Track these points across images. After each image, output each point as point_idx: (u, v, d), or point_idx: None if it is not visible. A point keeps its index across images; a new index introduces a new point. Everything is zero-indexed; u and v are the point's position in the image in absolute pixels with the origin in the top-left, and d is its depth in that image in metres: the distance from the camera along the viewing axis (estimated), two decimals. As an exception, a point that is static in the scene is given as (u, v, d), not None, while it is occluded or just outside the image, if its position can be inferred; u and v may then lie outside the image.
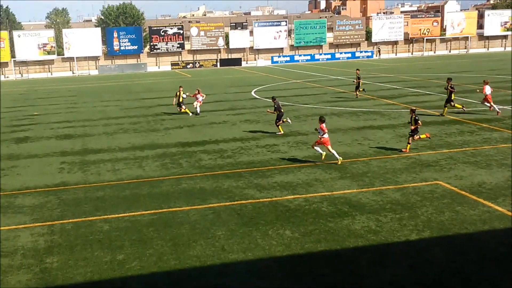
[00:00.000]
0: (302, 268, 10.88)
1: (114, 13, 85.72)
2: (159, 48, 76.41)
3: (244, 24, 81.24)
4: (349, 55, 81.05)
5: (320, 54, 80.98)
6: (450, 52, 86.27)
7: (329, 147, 18.58)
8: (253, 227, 12.95)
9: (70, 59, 72.49)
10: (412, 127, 19.70)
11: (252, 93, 40.08)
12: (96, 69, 73.26)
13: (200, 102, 30.66)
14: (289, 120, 24.78)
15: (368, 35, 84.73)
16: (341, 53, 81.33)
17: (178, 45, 77.11)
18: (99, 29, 77.22)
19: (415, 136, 19.77)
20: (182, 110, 30.47)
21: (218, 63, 76.68)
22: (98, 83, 56.80)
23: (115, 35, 74.35)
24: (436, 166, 17.86)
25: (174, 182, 17.09)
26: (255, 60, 79.31)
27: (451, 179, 16.31)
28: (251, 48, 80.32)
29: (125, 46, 74.55)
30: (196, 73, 65.47)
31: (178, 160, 19.98)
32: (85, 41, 72.34)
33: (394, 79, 46.06)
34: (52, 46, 72.14)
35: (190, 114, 30.11)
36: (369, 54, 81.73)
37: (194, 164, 19.28)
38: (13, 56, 70.70)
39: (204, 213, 14.11)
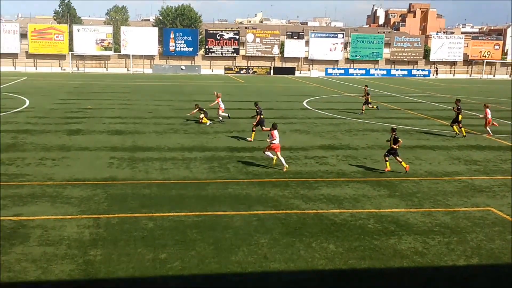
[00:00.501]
0: (344, 284, 10.65)
1: (172, 14, 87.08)
2: (214, 52, 77.13)
3: (300, 33, 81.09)
4: (405, 72, 79.81)
5: (376, 69, 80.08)
6: (510, 76, 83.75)
7: (278, 153, 19.27)
8: (296, 238, 12.74)
9: (126, 56, 73.98)
10: (393, 146, 19.20)
11: (304, 103, 39.83)
12: (151, 68, 74.51)
13: (222, 109, 30.04)
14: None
15: (426, 53, 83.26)
16: (397, 69, 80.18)
17: (233, 50, 77.65)
18: (156, 29, 78.56)
19: (397, 157, 19.30)
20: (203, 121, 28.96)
21: (272, 71, 76.78)
22: (152, 81, 57.70)
23: (172, 36, 75.51)
24: (489, 192, 17.22)
25: (221, 186, 17.04)
26: (309, 70, 79.08)
27: (504, 207, 15.69)
28: (306, 58, 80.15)
29: (180, 47, 75.59)
30: (249, 80, 65.68)
31: (226, 164, 19.94)
32: (142, 39, 73.75)
33: (450, 100, 44.89)
34: (109, 43, 73.82)
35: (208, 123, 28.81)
36: (426, 73, 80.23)
37: (242, 170, 19.20)
38: (71, 49, 72.65)
39: (248, 219, 13.99)
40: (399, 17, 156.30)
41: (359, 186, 17.49)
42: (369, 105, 34.86)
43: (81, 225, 13.16)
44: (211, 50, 77.15)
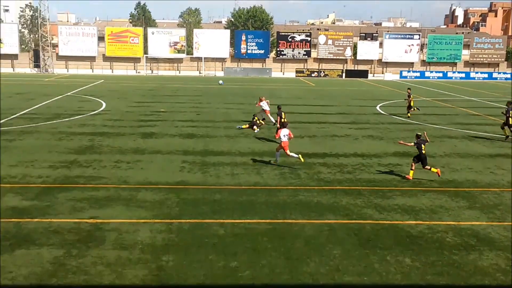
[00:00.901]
0: (422, 303, 10.13)
1: (244, 16, 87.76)
2: (285, 54, 77.03)
3: (374, 35, 79.71)
4: (486, 75, 76.59)
5: (454, 72, 77.31)
6: None
7: (287, 151, 19.72)
8: (370, 250, 12.31)
9: (198, 59, 75.16)
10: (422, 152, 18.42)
11: (377, 107, 38.94)
12: (222, 70, 75.34)
13: (267, 111, 29.83)
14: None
15: (509, 55, 79.49)
16: (476, 72, 77.10)
17: (305, 53, 77.26)
18: (228, 31, 79.34)
19: (426, 166, 18.43)
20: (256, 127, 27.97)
21: (344, 74, 75.76)
22: (223, 85, 58.27)
23: (243, 38, 76.06)
24: None
25: (291, 192, 16.81)
26: (382, 73, 77.46)
27: None
28: (379, 60, 78.57)
29: (252, 49, 76.00)
30: (320, 82, 65.11)
31: (297, 170, 19.68)
32: (214, 42, 74.76)
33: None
34: (182, 45, 75.24)
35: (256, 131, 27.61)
36: (508, 76, 76.56)
37: (313, 176, 18.89)
38: (145, 52, 74.60)
39: (320, 228, 13.68)
40: (479, 16, 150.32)
41: (436, 197, 16.77)
42: (412, 109, 34.00)
43: (154, 230, 13.29)
44: (282, 53, 77.10)
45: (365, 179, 18.60)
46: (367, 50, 77.42)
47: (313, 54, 79.22)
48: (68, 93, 44.99)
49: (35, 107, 35.86)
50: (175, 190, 16.75)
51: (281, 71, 77.55)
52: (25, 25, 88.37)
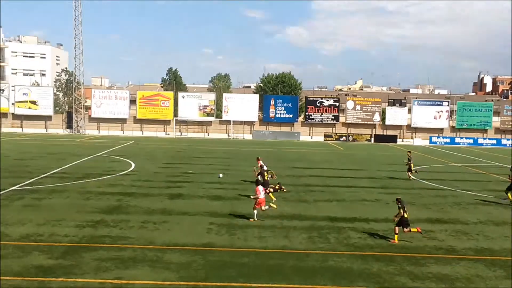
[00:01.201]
0: None
1: (273, 82, 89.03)
2: (313, 119, 77.37)
3: (402, 101, 79.65)
4: (517, 142, 75.30)
5: (484, 139, 76.26)
6: None
7: (263, 207, 21.17)
8: (404, 321, 11.70)
9: (227, 122, 75.98)
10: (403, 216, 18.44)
11: (408, 173, 38.33)
12: (251, 133, 75.86)
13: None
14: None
15: (539, 122, 78.41)
16: (508, 139, 75.93)
17: (333, 117, 77.50)
18: (257, 95, 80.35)
19: (404, 228, 18.34)
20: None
21: (372, 139, 75.47)
22: (252, 147, 58.46)
23: (272, 102, 76.89)
24: None
25: (321, 257, 16.32)
26: (411, 138, 76.88)
27: None
28: (408, 126, 78.20)
29: (280, 113, 76.62)
30: (349, 147, 64.87)
31: (326, 234, 19.21)
32: (243, 106, 75.75)
33: None
34: (211, 109, 76.37)
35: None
36: (539, 142, 75.29)
37: (342, 241, 18.38)
38: (175, 115, 75.89)
39: (350, 296, 13.13)
40: (508, 84, 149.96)
41: (471, 265, 16.08)
42: (412, 172, 34.64)
43: (179, 293, 12.93)
44: (310, 117, 77.48)
45: (397, 245, 18.01)
46: (396, 115, 77.26)
47: (341, 119, 79.37)
48: (99, 154, 45.59)
49: (65, 166, 36.29)
50: (202, 252, 16.43)
51: (310, 135, 77.66)
52: (60, 88, 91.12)
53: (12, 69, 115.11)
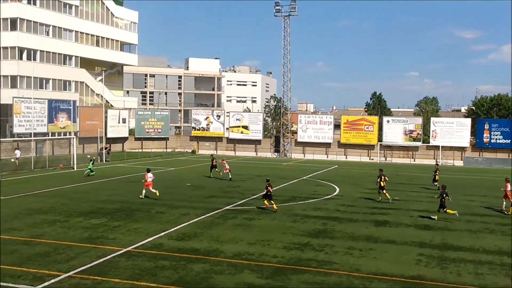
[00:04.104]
0: None
1: (487, 104, 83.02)
2: (534, 145, 70.07)
3: None
4: None
5: None
6: None
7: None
8: None
9: (435, 147, 72.52)
10: None
11: None
12: (461, 160, 71.31)
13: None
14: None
15: None
16: None
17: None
18: (469, 119, 75.50)
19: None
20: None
21: None
22: (462, 175, 54.82)
23: (486, 126, 71.49)
24: None
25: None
26: None
27: None
28: None
29: (496, 139, 70.86)
30: None
31: (556, 276, 16.88)
32: (452, 130, 71.75)
33: None
34: (418, 133, 73.62)
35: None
36: None
37: None
38: (379, 139, 74.69)
39: None
40: None
41: None
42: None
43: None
44: (531, 143, 70.27)
45: None
46: None
47: None
48: (304, 177, 46.64)
49: (273, 189, 37.66)
50: (411, 285, 15.55)
51: (529, 163, 70.44)
52: (269, 114, 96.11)
53: (227, 96, 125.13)
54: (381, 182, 32.72)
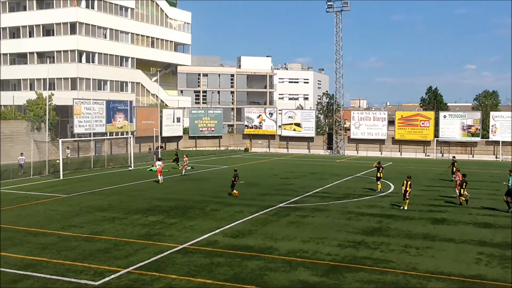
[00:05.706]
0: None
1: (550, 99, 79.74)
2: None
3: None
4: None
5: None
6: None
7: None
8: None
9: (495, 142, 70.27)
10: None
11: None
12: (523, 155, 68.88)
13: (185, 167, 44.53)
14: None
15: None
16: None
17: None
18: (531, 114, 72.76)
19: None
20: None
21: None
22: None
23: (550, 121, 68.76)
24: None
25: None
26: None
27: None
28: None
29: (558, 134, 68.02)
30: None
31: None
32: (513, 125, 69.48)
33: None
34: (477, 128, 71.48)
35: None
36: None
37: None
38: (436, 135, 72.95)
39: None
40: None
41: None
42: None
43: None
44: None
45: None
46: None
47: None
48: (358, 174, 46.16)
49: (326, 186, 37.55)
50: (470, 284, 15.17)
51: None
52: (321, 111, 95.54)
53: (279, 94, 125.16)
54: (378, 173, 34.60)
